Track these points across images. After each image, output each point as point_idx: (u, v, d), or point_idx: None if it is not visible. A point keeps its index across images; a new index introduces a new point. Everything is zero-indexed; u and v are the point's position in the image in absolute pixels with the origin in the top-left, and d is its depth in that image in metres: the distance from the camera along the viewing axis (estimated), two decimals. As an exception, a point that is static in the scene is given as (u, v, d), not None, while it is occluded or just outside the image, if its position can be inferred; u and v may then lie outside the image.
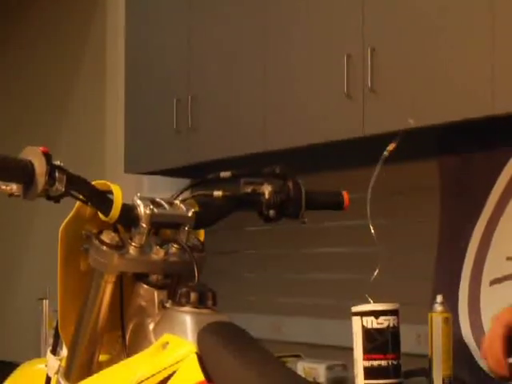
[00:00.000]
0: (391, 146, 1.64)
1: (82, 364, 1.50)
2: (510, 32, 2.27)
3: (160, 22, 3.54)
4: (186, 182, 3.62)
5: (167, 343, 1.36)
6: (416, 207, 3.00)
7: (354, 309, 1.30)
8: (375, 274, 1.43)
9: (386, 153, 1.58)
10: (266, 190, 1.57)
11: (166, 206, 1.43)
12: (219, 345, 1.31)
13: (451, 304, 2.43)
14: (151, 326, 1.45)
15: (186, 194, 1.55)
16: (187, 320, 1.36)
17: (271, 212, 1.57)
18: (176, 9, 3.45)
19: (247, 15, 3.08)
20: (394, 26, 2.56)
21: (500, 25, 2.28)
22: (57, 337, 1.58)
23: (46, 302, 3.24)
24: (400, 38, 2.54)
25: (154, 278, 1.45)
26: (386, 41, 2.57)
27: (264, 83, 3.00)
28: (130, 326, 1.49)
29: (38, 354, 3.04)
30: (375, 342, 1.25)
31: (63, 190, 1.34)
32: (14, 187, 1.36)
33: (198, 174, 3.56)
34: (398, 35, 2.55)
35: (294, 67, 2.90)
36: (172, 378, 1.32)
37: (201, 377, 1.27)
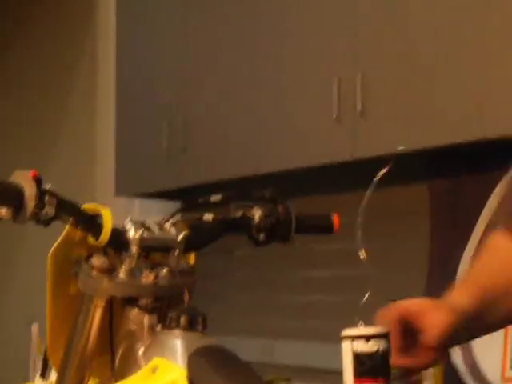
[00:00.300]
0: (383, 172, 1.65)
1: (72, 388, 1.51)
2: (498, 56, 2.29)
3: (152, 44, 3.56)
4: (177, 204, 3.62)
5: (157, 367, 1.36)
6: (406, 230, 3.01)
7: (344, 332, 1.29)
8: (366, 296, 1.44)
9: (376, 178, 1.59)
10: (256, 213, 1.57)
11: (156, 229, 1.44)
12: (209, 369, 1.31)
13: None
14: (141, 350, 1.44)
15: (177, 218, 1.55)
16: (177, 344, 1.36)
17: (261, 235, 1.57)
18: (168, 30, 3.47)
19: (238, 37, 3.10)
20: (385, 51, 2.58)
21: (489, 49, 2.30)
22: (46, 361, 1.57)
23: (34, 327, 3.22)
24: (391, 62, 2.56)
25: (144, 301, 1.44)
26: (377, 65, 2.59)
27: (255, 106, 3.01)
28: (120, 350, 1.49)
29: (26, 378, 3.02)
30: (365, 365, 1.25)
31: (53, 214, 1.34)
32: (3, 211, 1.35)
33: (189, 197, 3.58)
34: (388, 60, 2.57)
35: (286, 90, 2.91)
36: (162, 403, 1.32)
37: (191, 401, 1.27)
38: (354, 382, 1.18)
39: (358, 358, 1.20)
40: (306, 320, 3.34)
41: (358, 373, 1.18)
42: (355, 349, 1.18)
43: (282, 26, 2.94)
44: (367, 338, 1.17)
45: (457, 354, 2.62)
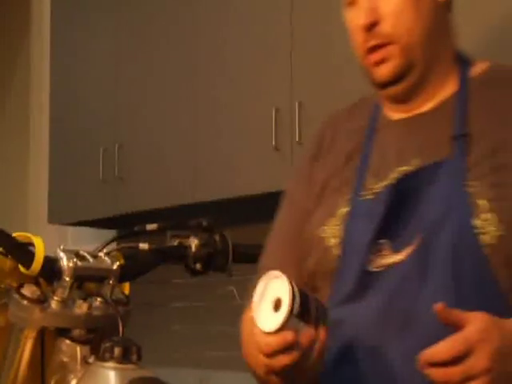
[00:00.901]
0: None
1: (1, 422, 1.47)
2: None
3: (86, 70, 3.54)
4: (112, 232, 3.58)
5: None
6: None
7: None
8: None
9: None
10: (193, 242, 1.57)
11: (89, 258, 1.42)
12: (144, 401, 1.29)
13: None
14: (73, 383, 1.41)
15: (112, 246, 1.54)
16: (111, 376, 1.33)
17: (198, 265, 1.57)
18: (102, 57, 3.45)
19: (175, 65, 3.10)
20: (321, 80, 2.60)
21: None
22: (-26, 395, 1.53)
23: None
24: (326, 91, 2.58)
25: (76, 332, 1.42)
26: (313, 94, 2.61)
27: (193, 133, 3.01)
28: (52, 382, 1.46)
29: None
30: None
31: (-19, 243, 1.32)
32: None
33: (124, 225, 3.55)
34: (325, 89, 2.59)
35: (224, 119, 2.91)
36: None
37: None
38: None
39: None
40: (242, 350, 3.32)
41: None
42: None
43: (218, 56, 2.95)
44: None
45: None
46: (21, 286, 1.40)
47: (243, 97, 2.84)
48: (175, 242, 1.57)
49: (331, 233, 1.39)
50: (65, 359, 1.43)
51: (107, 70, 3.42)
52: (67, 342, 1.43)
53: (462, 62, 1.41)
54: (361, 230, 1.34)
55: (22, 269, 1.39)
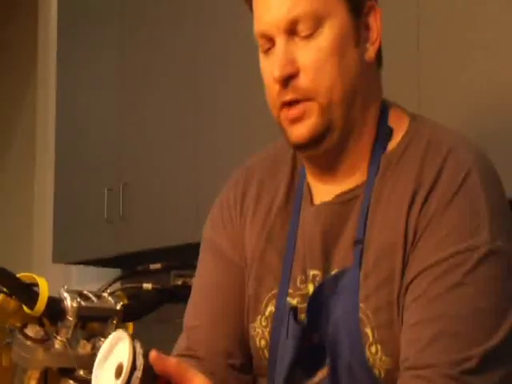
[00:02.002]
0: None
1: None
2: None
3: (91, 110, 3.55)
4: (116, 271, 3.57)
5: None
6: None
7: None
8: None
9: None
10: (197, 282, 1.56)
11: (93, 298, 1.42)
12: None
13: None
14: None
15: (116, 286, 1.54)
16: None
17: (202, 304, 1.56)
18: (107, 97, 3.47)
19: (179, 105, 3.10)
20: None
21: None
22: None
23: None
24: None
25: (80, 373, 1.41)
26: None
27: (196, 173, 3.01)
28: None
29: None
30: None
31: (-15, 284, 1.32)
32: None
33: (128, 264, 3.54)
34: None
35: (224, 160, 2.90)
36: None
37: None
38: None
39: None
40: None
41: None
42: None
43: (220, 96, 2.95)
44: None
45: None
46: (24, 326, 1.40)
47: (245, 138, 2.83)
48: (179, 282, 1.57)
49: (260, 333, 1.27)
50: (68, 399, 1.43)
51: (112, 111, 3.42)
52: (71, 382, 1.42)
53: (383, 127, 1.25)
54: (283, 351, 1.23)
55: (25, 309, 1.38)
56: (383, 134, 1.24)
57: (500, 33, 2.08)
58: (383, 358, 1.15)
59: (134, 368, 0.93)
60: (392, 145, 1.23)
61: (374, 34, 1.23)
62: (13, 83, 4.68)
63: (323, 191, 1.25)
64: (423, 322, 1.10)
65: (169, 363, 0.97)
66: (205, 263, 1.36)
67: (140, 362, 0.94)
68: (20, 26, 4.57)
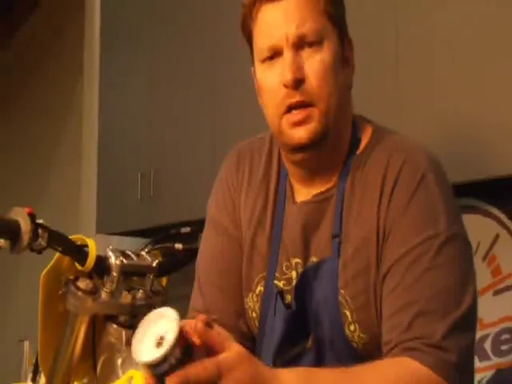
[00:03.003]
0: None
1: (58, 391, 1.45)
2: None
3: (127, 110, 3.53)
4: (147, 241, 3.56)
5: (132, 378, 1.32)
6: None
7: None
8: None
9: None
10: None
11: (133, 257, 1.41)
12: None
13: None
14: (119, 361, 1.41)
15: (152, 247, 1.53)
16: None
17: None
18: (140, 101, 3.44)
19: (198, 106, 3.08)
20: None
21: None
22: (36, 367, 1.52)
23: (26, 344, 3.10)
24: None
25: (122, 318, 1.40)
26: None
27: (213, 162, 2.98)
28: (101, 359, 1.45)
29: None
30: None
31: (45, 244, 1.30)
32: (1, 242, 1.31)
33: (156, 235, 3.52)
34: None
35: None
36: (135, 409, 1.28)
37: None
38: None
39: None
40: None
41: None
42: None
43: (236, 91, 2.93)
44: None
45: None
46: (76, 279, 1.38)
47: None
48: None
49: (252, 307, 1.24)
50: (112, 340, 1.42)
51: (144, 112, 3.41)
52: (114, 326, 1.41)
53: (355, 138, 1.22)
54: (270, 326, 1.20)
55: (77, 265, 1.37)
56: (354, 143, 1.21)
57: (463, 70, 2.02)
58: (361, 334, 1.13)
59: (176, 343, 0.84)
60: (358, 151, 1.21)
61: (352, 65, 1.21)
62: (64, 86, 4.70)
63: (303, 192, 1.22)
64: (402, 308, 1.08)
65: (211, 334, 0.90)
66: (209, 235, 1.33)
67: (181, 338, 0.85)
68: (69, 39, 4.57)
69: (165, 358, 0.84)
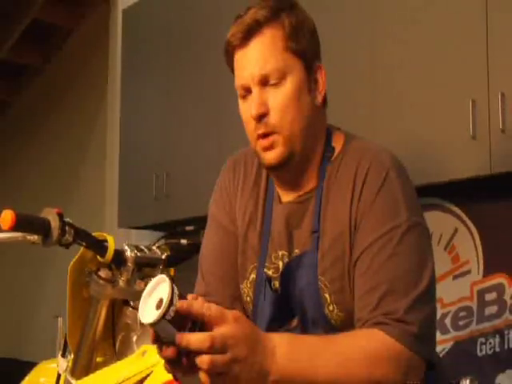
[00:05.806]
0: None
1: (84, 364, 1.46)
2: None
3: (144, 121, 3.53)
4: (161, 234, 3.56)
5: (145, 352, 1.34)
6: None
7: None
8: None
9: None
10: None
11: (145, 250, 1.42)
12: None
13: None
14: (134, 338, 1.43)
15: (162, 242, 1.53)
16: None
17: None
18: (156, 113, 3.44)
19: (205, 118, 3.07)
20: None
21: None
22: (65, 344, 1.52)
23: (59, 320, 3.11)
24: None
25: (136, 303, 1.41)
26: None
27: (218, 168, 2.98)
28: (119, 337, 1.46)
29: (54, 355, 2.91)
30: None
31: (71, 239, 1.31)
32: (35, 237, 1.32)
33: (170, 228, 3.53)
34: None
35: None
36: (148, 378, 1.30)
37: (170, 377, 1.23)
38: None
39: None
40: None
41: None
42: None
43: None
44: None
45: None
46: (98, 269, 1.40)
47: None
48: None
49: (246, 292, 1.22)
50: (128, 321, 1.43)
51: (159, 123, 3.40)
52: (130, 309, 1.43)
53: (328, 147, 1.21)
54: (262, 309, 1.20)
55: (99, 258, 1.38)
56: (328, 152, 1.20)
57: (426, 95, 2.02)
58: (339, 313, 1.13)
59: (171, 303, 0.85)
60: (333, 157, 1.20)
61: (320, 85, 1.19)
62: (89, 103, 4.70)
63: (287, 195, 1.22)
64: (370, 289, 1.08)
65: (209, 305, 0.89)
66: (210, 231, 1.31)
67: (176, 299, 0.86)
68: (95, 62, 4.56)
69: (163, 315, 0.84)
